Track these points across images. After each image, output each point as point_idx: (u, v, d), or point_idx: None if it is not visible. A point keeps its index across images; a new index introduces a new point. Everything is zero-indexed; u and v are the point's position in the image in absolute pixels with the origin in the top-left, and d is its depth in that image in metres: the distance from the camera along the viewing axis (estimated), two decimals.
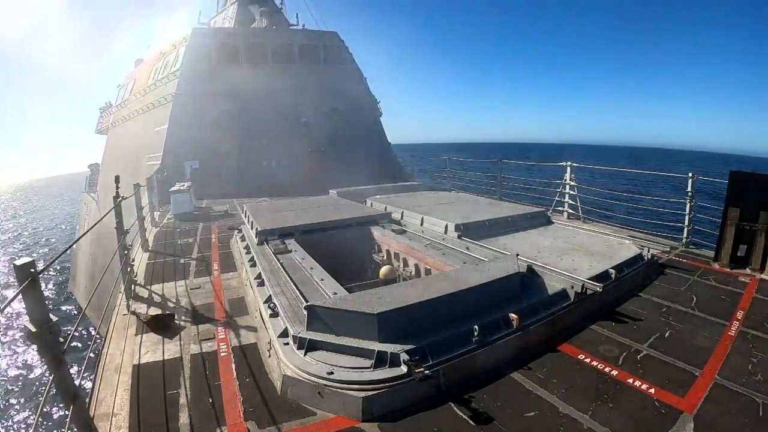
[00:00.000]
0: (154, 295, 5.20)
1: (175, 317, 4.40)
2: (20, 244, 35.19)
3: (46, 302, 2.19)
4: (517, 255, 4.84)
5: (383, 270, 6.22)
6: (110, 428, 2.82)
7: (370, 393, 2.91)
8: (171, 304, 4.88)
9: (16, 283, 2.07)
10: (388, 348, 3.18)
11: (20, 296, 2.04)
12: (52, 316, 2.18)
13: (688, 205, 6.87)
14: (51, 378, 2.19)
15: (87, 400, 2.94)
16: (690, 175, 6.80)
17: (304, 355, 3.28)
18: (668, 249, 6.65)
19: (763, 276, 5.34)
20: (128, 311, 4.64)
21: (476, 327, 3.45)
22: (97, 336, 4.61)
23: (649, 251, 5.60)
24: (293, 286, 4.25)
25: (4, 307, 2.19)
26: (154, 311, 4.35)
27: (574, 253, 5.38)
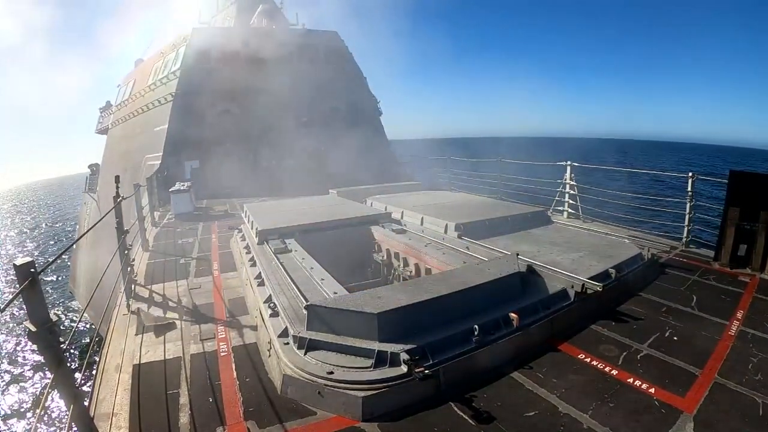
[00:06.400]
0: (154, 294, 5.20)
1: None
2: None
3: (46, 302, 2.20)
4: (517, 255, 4.84)
5: None
6: (110, 428, 2.83)
7: (370, 393, 2.92)
8: (171, 304, 4.88)
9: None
10: (388, 348, 3.18)
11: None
12: (52, 315, 2.18)
13: (688, 205, 6.86)
14: (51, 377, 2.20)
15: (87, 399, 2.95)
16: (690, 174, 6.80)
17: (304, 354, 3.28)
18: (668, 248, 6.64)
19: (764, 275, 5.34)
20: (128, 311, 4.64)
21: (476, 326, 3.45)
22: (98, 336, 4.61)
23: (649, 251, 5.60)
24: (293, 286, 4.25)
25: (5, 308, 2.19)
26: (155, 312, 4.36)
27: (574, 252, 5.37)
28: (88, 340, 14.68)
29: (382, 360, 3.14)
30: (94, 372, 3.64)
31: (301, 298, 3.85)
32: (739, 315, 4.27)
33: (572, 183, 8.82)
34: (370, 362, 3.14)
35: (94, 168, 23.08)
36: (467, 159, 13.67)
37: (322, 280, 4.46)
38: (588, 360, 3.51)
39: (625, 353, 3.60)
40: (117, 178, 5.75)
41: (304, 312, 3.54)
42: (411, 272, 6.07)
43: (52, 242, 34.68)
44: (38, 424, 8.80)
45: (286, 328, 3.57)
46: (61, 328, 2.21)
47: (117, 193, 5.28)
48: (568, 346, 3.75)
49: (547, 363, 3.50)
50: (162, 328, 4.19)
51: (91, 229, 4.57)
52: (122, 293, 4.97)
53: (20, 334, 15.17)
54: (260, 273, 4.84)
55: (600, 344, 3.76)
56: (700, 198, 7.18)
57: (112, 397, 3.15)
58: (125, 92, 20.52)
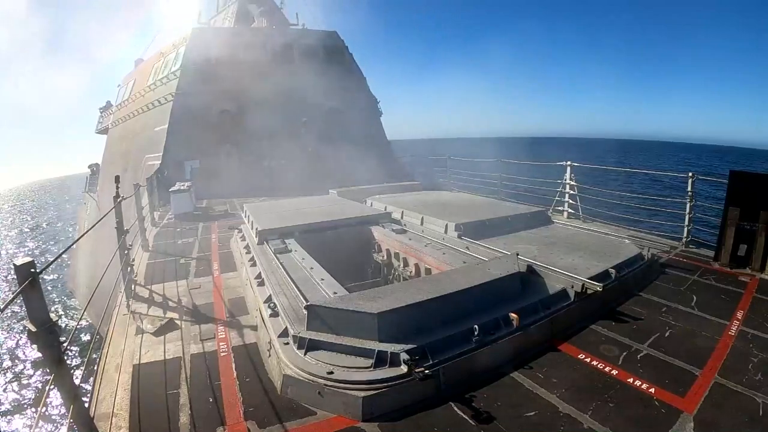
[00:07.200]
0: (154, 294, 5.20)
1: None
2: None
3: (46, 302, 2.20)
4: (517, 254, 4.84)
5: None
6: (110, 428, 2.82)
7: (370, 393, 2.91)
8: (171, 304, 4.88)
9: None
10: (388, 348, 3.18)
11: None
12: (52, 315, 2.18)
13: (688, 205, 6.87)
14: (51, 378, 2.20)
15: (87, 399, 2.95)
16: (690, 174, 6.80)
17: (304, 354, 3.27)
18: (668, 249, 6.64)
19: (763, 276, 5.34)
20: (128, 311, 4.64)
21: (476, 326, 3.45)
22: (98, 335, 4.61)
23: (649, 251, 5.60)
24: (293, 286, 4.25)
25: (5, 307, 2.19)
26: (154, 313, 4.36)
27: (574, 252, 5.37)
28: (88, 339, 14.68)
29: (382, 360, 3.14)
30: (94, 372, 3.64)
31: (301, 298, 3.85)
32: (739, 315, 4.27)
33: (572, 183, 8.82)
34: (370, 362, 3.13)
35: (94, 168, 23.11)
36: (467, 159, 13.66)
37: (322, 280, 4.46)
38: (588, 360, 3.51)
39: (625, 353, 3.60)
40: (117, 178, 5.76)
41: (304, 312, 3.54)
42: (411, 272, 6.07)
43: (52, 242, 34.65)
44: (39, 422, 8.80)
45: (286, 328, 3.57)
46: (62, 327, 2.21)
47: (117, 193, 5.28)
48: (568, 346, 3.75)
49: (547, 363, 3.50)
50: (162, 329, 4.19)
51: (91, 229, 4.57)
52: (122, 293, 4.96)
53: (21, 331, 15.17)
54: (260, 273, 4.84)
55: (600, 344, 3.76)
56: (699, 198, 7.18)
57: (112, 397, 3.15)
58: (125, 92, 20.53)
